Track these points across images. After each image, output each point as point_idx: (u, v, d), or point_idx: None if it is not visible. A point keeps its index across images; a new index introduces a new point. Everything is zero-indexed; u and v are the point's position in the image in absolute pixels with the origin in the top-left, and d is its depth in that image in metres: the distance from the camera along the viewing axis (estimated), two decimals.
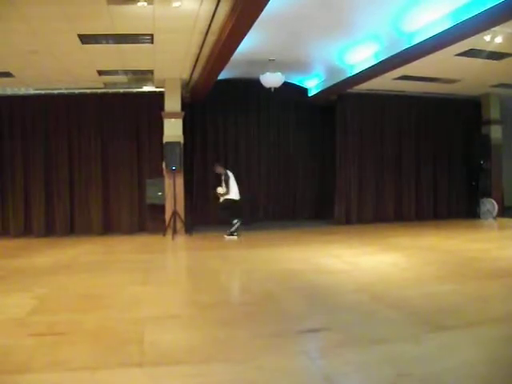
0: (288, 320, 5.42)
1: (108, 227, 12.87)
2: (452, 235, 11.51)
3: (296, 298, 6.39)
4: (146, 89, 12.92)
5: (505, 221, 14.26)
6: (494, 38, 8.81)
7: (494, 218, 14.33)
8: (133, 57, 10.09)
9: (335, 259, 8.83)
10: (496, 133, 14.97)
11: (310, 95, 14.24)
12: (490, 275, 7.28)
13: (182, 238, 11.82)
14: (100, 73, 11.21)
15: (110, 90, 12.71)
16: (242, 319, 5.39)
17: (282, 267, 8.15)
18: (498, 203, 14.52)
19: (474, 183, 15.05)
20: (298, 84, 14.11)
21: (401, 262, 8.47)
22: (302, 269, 7.98)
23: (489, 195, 14.73)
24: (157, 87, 12.69)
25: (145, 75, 11.79)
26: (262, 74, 11.38)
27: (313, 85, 13.88)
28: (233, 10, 7.29)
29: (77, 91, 12.57)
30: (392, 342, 4.60)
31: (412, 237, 11.47)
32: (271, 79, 11.46)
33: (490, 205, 14.53)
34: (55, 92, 12.48)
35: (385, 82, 12.57)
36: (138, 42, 9.14)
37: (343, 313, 5.62)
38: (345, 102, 14.13)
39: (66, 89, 12.43)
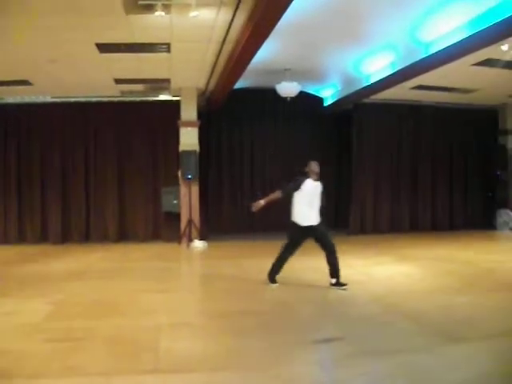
0: (302, 330, 5.42)
1: (123, 235, 12.92)
2: (468, 246, 11.41)
3: (310, 307, 6.39)
4: (162, 97, 12.99)
5: None
6: (510, 48, 8.75)
7: (511, 229, 14.19)
8: (150, 66, 10.15)
9: (350, 269, 8.78)
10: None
11: (325, 105, 14.24)
12: (507, 287, 7.22)
13: (197, 247, 11.80)
14: (117, 81, 11.29)
15: (127, 99, 12.80)
16: (257, 328, 5.40)
17: (296, 277, 8.13)
18: None
19: (490, 194, 14.92)
20: (313, 93, 14.12)
21: (416, 273, 8.44)
22: (316, 279, 7.95)
23: (505, 206, 14.59)
24: (173, 96, 12.74)
25: (161, 84, 11.86)
26: (278, 83, 11.39)
27: (328, 94, 13.88)
28: (249, 19, 7.32)
29: (94, 99, 12.66)
30: (406, 353, 4.59)
31: (427, 247, 11.38)
32: (287, 88, 11.48)
33: (506, 216, 14.39)
34: (72, 100, 12.59)
35: (401, 92, 12.53)
36: (155, 51, 9.20)
37: (357, 323, 5.62)
38: (361, 111, 14.09)
39: (83, 97, 12.53)
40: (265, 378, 4.07)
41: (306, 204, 7.39)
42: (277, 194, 7.54)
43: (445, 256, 10.15)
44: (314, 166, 7.53)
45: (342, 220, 14.58)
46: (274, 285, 7.50)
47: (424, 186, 14.74)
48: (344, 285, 7.33)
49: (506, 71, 10.34)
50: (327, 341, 5.02)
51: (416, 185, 14.70)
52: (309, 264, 9.25)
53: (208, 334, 5.27)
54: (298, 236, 7.43)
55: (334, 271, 7.39)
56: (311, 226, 7.36)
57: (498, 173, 14.60)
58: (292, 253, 7.51)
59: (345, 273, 8.44)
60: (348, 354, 4.59)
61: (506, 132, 14.86)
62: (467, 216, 15.03)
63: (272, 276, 7.55)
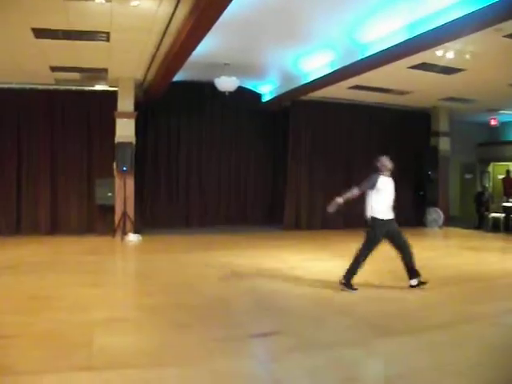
0: (239, 324, 5.44)
1: (56, 227, 12.52)
2: None
3: (246, 302, 6.42)
4: (98, 87, 12.70)
5: (450, 230, 14.67)
6: (445, 53, 9.05)
7: (440, 226, 14.71)
8: (87, 54, 9.89)
9: (284, 264, 8.90)
10: (444, 145, 15.42)
11: (263, 101, 14.32)
12: (435, 283, 7.46)
13: (131, 240, 11.63)
14: (53, 69, 10.94)
15: (62, 87, 12.43)
16: (193, 323, 5.38)
17: (233, 271, 8.16)
18: (443, 213, 14.92)
19: (421, 193, 15.41)
20: (252, 89, 14.16)
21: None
22: (251, 273, 8.01)
23: (435, 204, 15.11)
24: (110, 86, 12.48)
25: (98, 73, 11.58)
26: (217, 77, 11.36)
27: (267, 90, 13.96)
28: (191, 12, 7.25)
29: (28, 86, 12.22)
30: (341, 347, 4.68)
31: (359, 243, 11.62)
32: (226, 83, 11.45)
33: (435, 214, 14.91)
34: (5, 86, 12.10)
35: (339, 91, 12.75)
36: (94, 40, 8.98)
37: (294, 317, 5.68)
38: (298, 108, 14.25)
39: (17, 83, 12.06)
40: (201, 373, 4.06)
41: (382, 200, 7.30)
42: (354, 192, 7.39)
43: (377, 252, 10.37)
44: (386, 162, 7.44)
45: (278, 215, 14.73)
46: (354, 291, 6.90)
47: (357, 183, 14.98)
48: (423, 283, 7.07)
49: (438, 76, 10.71)
50: (263, 335, 5.05)
51: (351, 182, 14.90)
52: (244, 259, 9.32)
53: (143, 328, 5.20)
54: (379, 232, 7.13)
55: (409, 270, 7.12)
56: (390, 220, 7.27)
57: (429, 172, 15.08)
58: (372, 251, 7.16)
59: (281, 267, 8.57)
60: (284, 347, 4.65)
61: (437, 134, 15.46)
62: (399, 213, 15.32)
63: (349, 279, 6.98)
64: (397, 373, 4.11)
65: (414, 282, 7.11)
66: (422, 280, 7.11)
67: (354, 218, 14.92)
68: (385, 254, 7.36)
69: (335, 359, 4.37)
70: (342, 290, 6.90)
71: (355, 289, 6.94)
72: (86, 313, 5.63)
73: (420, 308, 6.20)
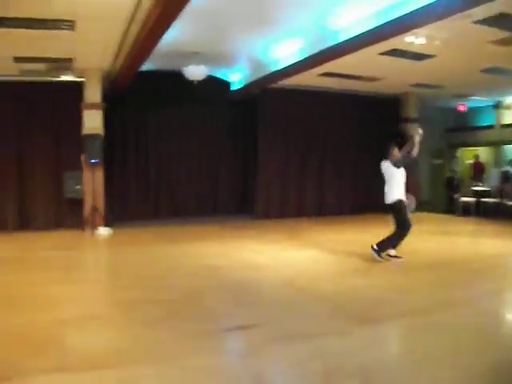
0: (214, 317, 5.35)
1: (24, 222, 12.21)
2: (368, 229, 11.69)
3: (221, 294, 6.33)
4: (64, 78, 12.38)
5: (421, 215, 14.76)
6: (415, 40, 9.03)
7: (412, 211, 14.78)
8: (52, 44, 9.62)
9: (257, 254, 8.84)
10: (413, 131, 15.44)
11: (233, 89, 14.17)
12: (407, 268, 7.49)
13: (101, 234, 11.43)
14: (16, 59, 10.63)
15: (27, 79, 12.09)
16: (167, 318, 5.27)
17: (205, 263, 8.08)
18: (415, 198, 14.99)
19: None
20: (221, 78, 14.01)
21: (321, 257, 8.61)
22: (225, 265, 7.93)
23: (407, 190, 15.16)
24: (77, 77, 12.19)
25: (64, 64, 11.28)
26: (186, 66, 11.20)
27: (237, 79, 13.82)
28: None
29: None
30: (320, 337, 4.64)
31: (332, 232, 11.67)
32: (194, 72, 11.32)
33: (409, 199, 14.97)
34: None
35: (309, 78, 12.67)
36: (58, 28, 8.71)
37: (269, 308, 5.62)
38: (268, 97, 14.11)
39: None
40: (177, 370, 3.96)
41: (402, 184, 8.31)
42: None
43: (348, 240, 10.42)
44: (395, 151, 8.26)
45: (249, 205, 14.67)
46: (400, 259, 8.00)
47: (329, 172, 15.04)
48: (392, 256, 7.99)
49: (409, 62, 10.71)
50: (241, 328, 4.97)
51: (323, 170, 14.98)
52: (216, 250, 9.24)
53: (116, 325, 5.08)
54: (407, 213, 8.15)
55: (387, 242, 7.97)
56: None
57: None
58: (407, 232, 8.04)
59: (253, 257, 8.50)
60: (262, 340, 4.56)
61: (406, 120, 15.49)
62: (370, 200, 15.46)
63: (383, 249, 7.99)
64: (377, 359, 4.09)
65: (375, 246, 7.95)
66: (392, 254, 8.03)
67: (327, 206, 15.06)
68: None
69: (316, 350, 4.31)
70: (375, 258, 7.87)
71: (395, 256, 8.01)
72: (56, 311, 5.48)
73: (393, 294, 6.18)
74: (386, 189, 8.27)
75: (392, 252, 8.07)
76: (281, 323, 5.08)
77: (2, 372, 3.83)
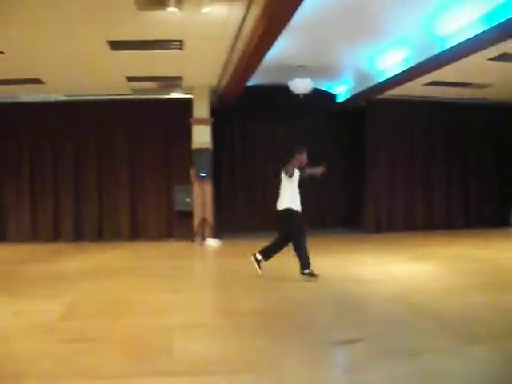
0: (321, 331, 5.30)
1: (136, 233, 12.87)
2: (484, 244, 11.22)
3: (329, 308, 6.27)
4: (174, 95, 12.92)
5: None
6: None
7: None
8: (162, 63, 10.09)
9: (367, 268, 8.68)
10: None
11: (338, 101, 14.11)
12: None
13: (210, 245, 11.72)
14: (129, 79, 11.23)
15: (139, 97, 12.74)
16: (274, 329, 5.28)
17: (317, 274, 8.01)
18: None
19: (506, 191, 14.71)
20: (327, 90, 13.99)
21: (433, 272, 8.31)
22: (334, 278, 7.82)
23: None
24: (185, 93, 12.68)
25: (173, 81, 11.79)
26: (291, 80, 11.29)
27: (342, 91, 13.75)
28: (263, 15, 7.20)
29: (106, 97, 12.62)
30: (429, 354, 4.43)
31: (443, 246, 11.22)
32: (300, 85, 11.38)
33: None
34: (84, 98, 12.57)
35: (414, 88, 12.34)
36: (167, 48, 9.13)
37: (377, 323, 5.49)
38: (374, 108, 13.91)
39: (95, 95, 12.49)
40: (283, 382, 3.97)
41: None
42: None
43: (462, 254, 9.99)
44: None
45: (357, 218, 14.46)
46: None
47: (439, 184, 14.53)
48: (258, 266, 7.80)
49: None
50: (347, 342, 4.87)
51: (431, 182, 14.48)
52: (325, 264, 9.14)
53: (224, 334, 5.16)
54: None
55: (268, 251, 7.97)
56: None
57: None
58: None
59: (363, 271, 8.35)
60: (370, 355, 4.44)
61: None
62: (483, 214, 14.75)
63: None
64: (485, 382, 3.90)
65: (258, 256, 7.89)
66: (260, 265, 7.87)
67: (437, 219, 14.53)
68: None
69: (422, 367, 4.17)
70: None
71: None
72: (166, 317, 5.68)
73: (509, 314, 5.84)
74: None
75: (258, 256, 7.91)
76: (387, 339, 4.93)
77: (118, 372, 4.03)
